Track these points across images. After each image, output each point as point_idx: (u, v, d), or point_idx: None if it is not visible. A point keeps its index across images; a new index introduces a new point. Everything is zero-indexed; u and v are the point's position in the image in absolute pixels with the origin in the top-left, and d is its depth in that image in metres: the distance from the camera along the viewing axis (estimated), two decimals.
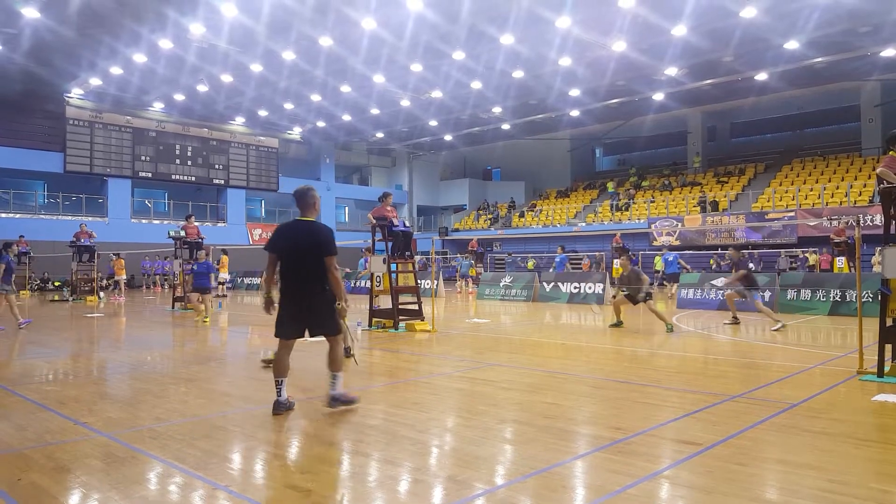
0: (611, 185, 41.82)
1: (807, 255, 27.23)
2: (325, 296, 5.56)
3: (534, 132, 40.58)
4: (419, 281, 13.86)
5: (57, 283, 29.41)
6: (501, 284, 22.08)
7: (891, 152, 7.01)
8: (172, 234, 18.63)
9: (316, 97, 31.84)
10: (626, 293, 12.39)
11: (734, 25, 21.59)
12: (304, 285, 5.54)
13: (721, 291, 16.61)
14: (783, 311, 15.27)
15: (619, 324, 12.49)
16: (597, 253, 34.27)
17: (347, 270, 28.76)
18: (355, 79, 28.50)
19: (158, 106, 34.66)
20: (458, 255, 30.07)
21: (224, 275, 25.97)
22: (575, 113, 34.68)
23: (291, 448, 4.68)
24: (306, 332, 5.60)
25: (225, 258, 26.03)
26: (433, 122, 36.98)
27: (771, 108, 36.29)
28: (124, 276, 25.53)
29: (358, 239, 33.26)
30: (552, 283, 20.70)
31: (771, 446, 4.53)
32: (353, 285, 27.87)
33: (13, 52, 24.69)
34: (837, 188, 30.18)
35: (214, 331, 13.40)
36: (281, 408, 5.51)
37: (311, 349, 9.39)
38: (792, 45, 23.23)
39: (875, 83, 31.73)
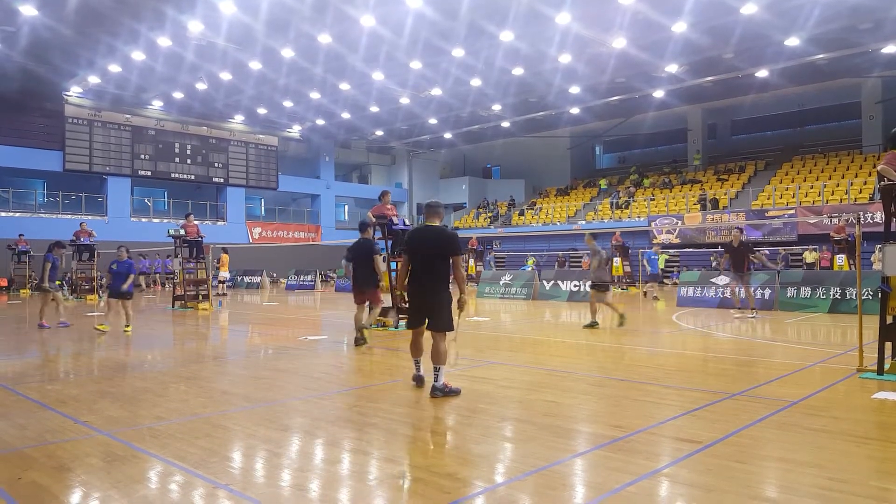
0: (603, 182, 41.82)
1: (805, 252, 27.24)
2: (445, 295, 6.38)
3: (534, 130, 40.53)
4: None
5: (57, 282, 29.37)
6: (501, 282, 22.08)
7: (892, 149, 6.99)
8: (172, 232, 18.62)
9: (315, 95, 31.80)
10: (593, 286, 12.33)
11: (734, 22, 21.55)
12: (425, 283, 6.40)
13: (721, 290, 16.63)
14: (783, 308, 15.28)
15: (594, 324, 12.05)
16: (560, 252, 34.46)
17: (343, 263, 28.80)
18: (354, 76, 28.46)
19: (157, 104, 34.61)
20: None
21: (224, 273, 25.98)
22: (575, 110, 34.65)
23: (292, 446, 4.69)
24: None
25: (225, 256, 26.03)
26: (433, 120, 36.95)
27: (771, 105, 36.26)
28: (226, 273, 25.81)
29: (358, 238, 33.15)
30: (552, 282, 20.70)
31: (770, 444, 4.53)
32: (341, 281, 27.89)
33: (11, 51, 24.64)
34: (838, 185, 30.16)
35: (215, 329, 13.40)
36: (420, 381, 6.53)
37: (311, 350, 9.40)
38: (792, 41, 23.19)
39: (876, 80, 31.70)
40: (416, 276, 6.41)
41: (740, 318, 13.47)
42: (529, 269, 25.57)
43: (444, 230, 6.52)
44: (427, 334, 6.38)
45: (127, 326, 12.00)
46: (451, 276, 6.35)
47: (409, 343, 6.65)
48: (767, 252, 27.22)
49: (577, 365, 8.19)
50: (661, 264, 28.67)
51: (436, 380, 6.16)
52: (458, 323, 6.43)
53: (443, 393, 6.11)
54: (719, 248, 29.03)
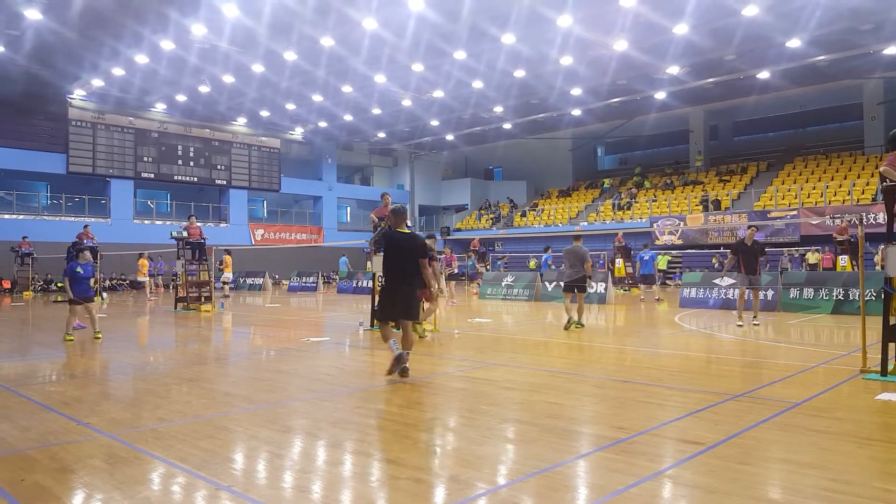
0: (607, 182, 41.82)
1: (806, 254, 27.20)
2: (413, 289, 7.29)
3: (535, 131, 40.55)
4: None
5: (59, 284, 29.45)
6: (503, 284, 22.07)
7: (894, 150, 6.99)
8: (175, 234, 18.65)
9: (317, 97, 31.85)
10: (566, 287, 12.56)
11: (736, 24, 21.55)
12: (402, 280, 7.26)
13: (725, 291, 16.60)
14: (786, 309, 15.26)
15: (575, 323, 12.13)
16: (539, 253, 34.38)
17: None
18: (357, 79, 28.50)
19: (160, 107, 34.69)
20: (470, 255, 29.94)
21: (228, 275, 26.01)
22: (576, 112, 34.65)
23: (294, 448, 4.69)
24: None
25: (228, 258, 26.07)
26: (434, 122, 36.99)
27: (773, 106, 36.21)
28: (146, 278, 25.76)
29: (360, 239, 33.27)
30: (554, 283, 20.67)
31: (774, 445, 4.52)
32: (354, 285, 27.91)
33: (16, 54, 24.73)
34: (840, 186, 30.11)
35: (217, 331, 13.42)
36: (401, 359, 7.01)
37: (313, 351, 9.40)
38: (794, 43, 23.18)
39: (878, 81, 31.66)
40: (391, 276, 7.27)
41: (743, 325, 12.12)
42: (547, 260, 25.25)
43: (414, 236, 7.40)
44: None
45: (98, 333, 11.20)
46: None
47: (380, 333, 7.50)
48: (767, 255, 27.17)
49: (580, 366, 8.18)
50: (663, 265, 28.61)
51: (395, 349, 7.07)
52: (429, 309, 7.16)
53: (397, 360, 7.00)
54: (721, 249, 29.01)
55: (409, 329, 7.29)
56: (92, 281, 11.59)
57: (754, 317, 12.55)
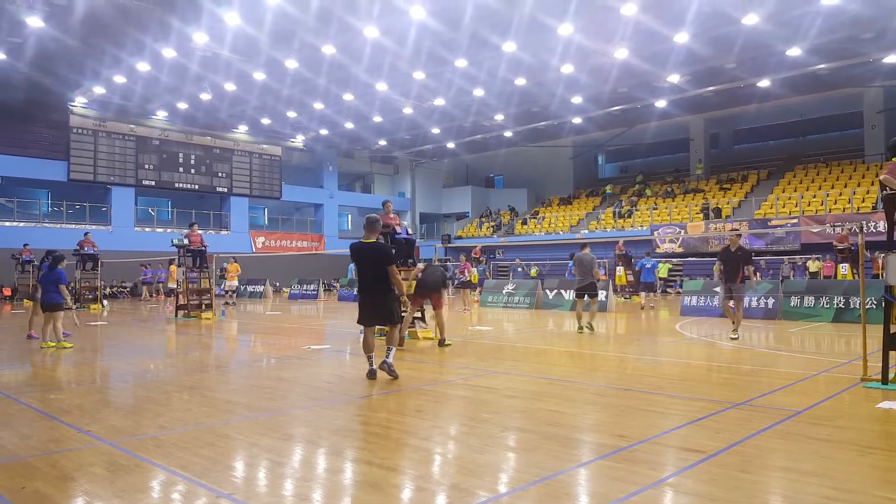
0: (609, 188, 41.88)
1: (808, 262, 27.19)
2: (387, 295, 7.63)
3: (536, 139, 40.62)
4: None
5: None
6: (504, 292, 22.07)
7: (893, 159, 7.00)
8: (176, 242, 18.66)
9: (319, 105, 31.94)
10: (577, 293, 13.06)
11: (736, 32, 21.61)
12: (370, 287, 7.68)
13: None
14: (787, 318, 15.23)
15: (586, 326, 12.83)
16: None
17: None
18: (358, 87, 28.59)
19: (162, 114, 34.78)
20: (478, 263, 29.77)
21: (234, 282, 26.00)
22: (577, 120, 34.73)
23: (294, 456, 4.68)
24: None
25: (236, 266, 26.05)
26: (435, 130, 37.06)
27: (773, 114, 36.27)
28: (235, 282, 26.15)
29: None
30: (555, 291, 20.69)
31: (775, 454, 4.52)
32: (355, 293, 27.86)
33: (17, 62, 24.81)
34: (840, 195, 30.13)
35: (218, 338, 13.41)
36: (373, 375, 7.50)
37: (314, 359, 9.40)
38: (794, 51, 23.25)
39: (878, 89, 31.73)
40: (361, 285, 7.69)
41: (737, 337, 11.35)
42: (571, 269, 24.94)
43: (378, 246, 7.67)
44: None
45: (59, 342, 10.79)
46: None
47: (361, 341, 7.82)
48: (763, 265, 27.03)
49: (581, 374, 8.17)
50: (664, 273, 28.59)
51: (387, 355, 7.52)
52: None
53: (388, 368, 7.42)
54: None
55: (392, 330, 7.78)
56: (62, 288, 11.23)
57: (733, 331, 11.42)
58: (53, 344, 10.82)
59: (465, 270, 21.71)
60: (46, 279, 11.21)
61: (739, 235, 12.87)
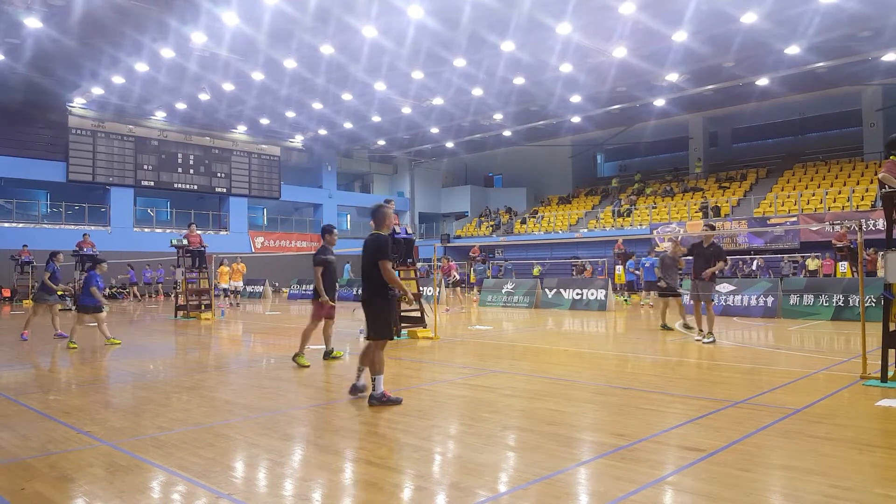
0: (615, 181, 42.08)
1: (806, 260, 27.19)
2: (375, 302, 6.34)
3: (535, 138, 40.63)
4: (421, 288, 13.87)
5: (59, 293, 29.42)
6: (503, 291, 22.06)
7: (892, 157, 7.00)
8: (175, 242, 18.66)
9: (317, 105, 31.92)
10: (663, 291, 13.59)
11: (735, 31, 21.62)
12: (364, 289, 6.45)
13: (724, 298, 16.59)
14: (786, 316, 15.25)
15: (665, 327, 13.32)
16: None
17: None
18: (356, 86, 28.57)
19: (160, 115, 34.75)
20: (479, 263, 29.71)
21: (238, 283, 25.98)
22: (576, 119, 34.72)
23: (294, 456, 4.68)
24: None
25: (243, 266, 26.00)
26: (434, 130, 37.05)
27: (772, 112, 36.28)
28: (240, 283, 26.05)
29: (360, 247, 33.21)
30: (554, 290, 20.69)
31: (774, 452, 4.52)
32: (354, 293, 27.89)
33: (16, 62, 24.79)
34: (839, 193, 30.14)
35: (217, 339, 13.41)
36: (355, 391, 6.52)
37: (314, 359, 9.40)
38: (793, 49, 23.26)
39: (876, 87, 31.74)
40: (362, 283, 6.58)
41: (700, 339, 10.88)
42: (629, 267, 24.29)
43: (375, 237, 6.41)
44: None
45: (108, 340, 11.32)
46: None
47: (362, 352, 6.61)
48: (726, 267, 26.77)
49: (580, 373, 8.17)
50: None
51: (374, 388, 6.10)
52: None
53: (380, 402, 6.05)
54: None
55: (369, 349, 6.32)
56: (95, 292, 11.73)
57: (708, 333, 10.74)
58: (109, 341, 11.47)
59: (452, 271, 21.69)
60: (86, 282, 11.79)
61: (714, 230, 12.30)
